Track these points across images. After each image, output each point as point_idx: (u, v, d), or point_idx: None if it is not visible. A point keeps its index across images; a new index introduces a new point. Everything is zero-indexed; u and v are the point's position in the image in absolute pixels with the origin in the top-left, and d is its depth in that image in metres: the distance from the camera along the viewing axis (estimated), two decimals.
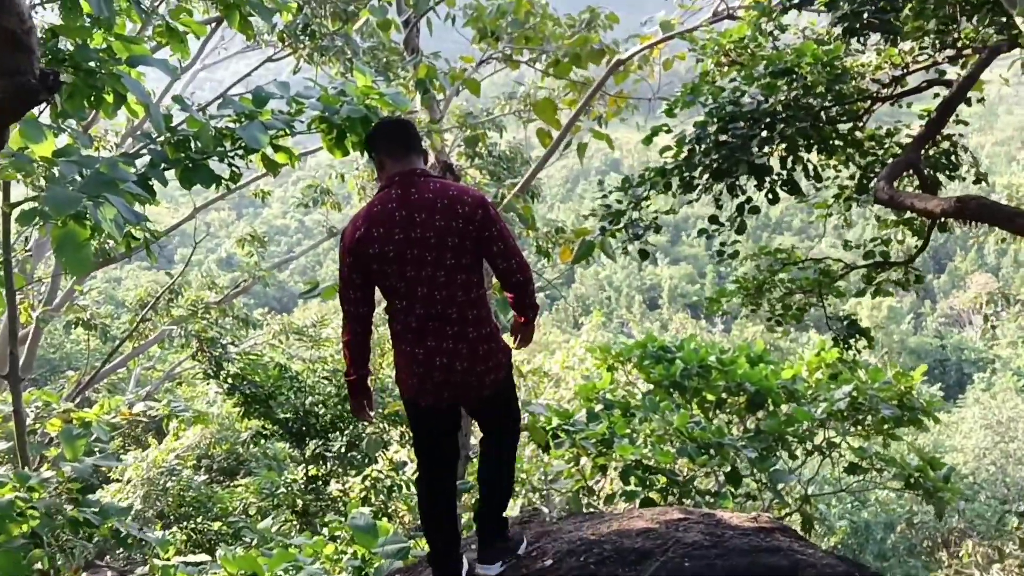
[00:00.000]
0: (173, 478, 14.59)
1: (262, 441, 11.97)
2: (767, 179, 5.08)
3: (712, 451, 6.32)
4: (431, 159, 7.55)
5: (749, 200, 5.33)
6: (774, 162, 5.16)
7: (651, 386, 7.70)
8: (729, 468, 6.61)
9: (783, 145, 4.98)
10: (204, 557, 6.55)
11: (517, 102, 11.17)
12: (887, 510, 19.15)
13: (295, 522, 10.68)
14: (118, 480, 15.08)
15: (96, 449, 8.91)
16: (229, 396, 10.86)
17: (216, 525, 12.15)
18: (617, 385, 8.06)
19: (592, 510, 5.92)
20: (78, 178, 4.43)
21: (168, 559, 6.40)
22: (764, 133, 4.85)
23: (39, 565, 5.57)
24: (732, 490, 6.61)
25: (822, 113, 5.07)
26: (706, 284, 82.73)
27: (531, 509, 6.01)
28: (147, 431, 16.10)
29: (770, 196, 5.19)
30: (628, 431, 6.74)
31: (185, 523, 12.45)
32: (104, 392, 14.41)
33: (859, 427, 7.28)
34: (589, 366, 18.41)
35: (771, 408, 7.42)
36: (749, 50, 5.80)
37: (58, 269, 11.48)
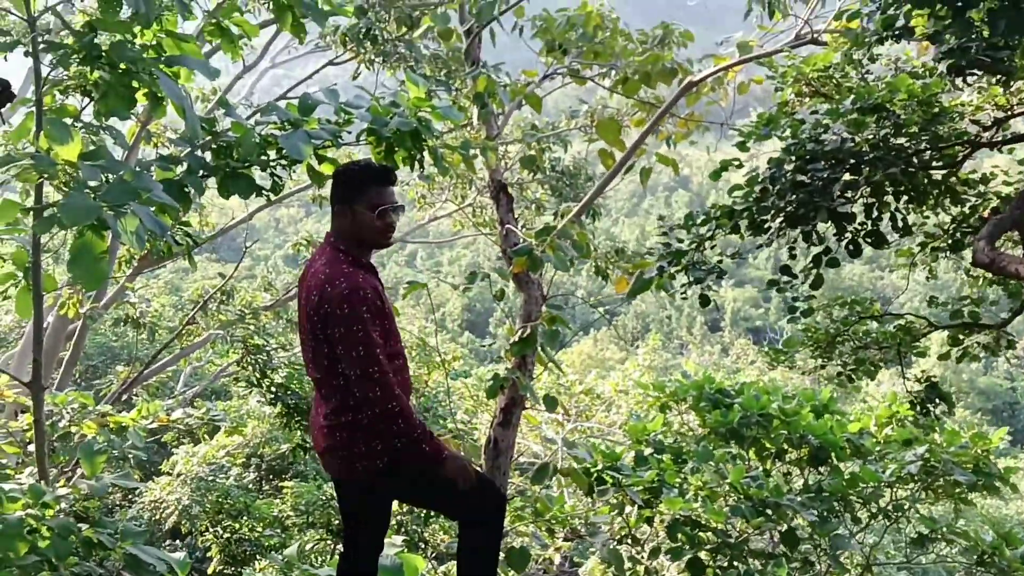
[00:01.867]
0: (222, 475, 14.54)
1: (301, 454, 11.73)
2: (849, 228, 4.56)
3: (769, 511, 5.83)
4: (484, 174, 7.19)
5: (828, 251, 4.80)
6: (856, 209, 4.64)
7: (705, 430, 7.21)
8: (785, 528, 6.11)
9: (867, 190, 4.45)
10: None
11: (583, 118, 10.74)
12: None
13: (330, 541, 10.38)
14: (168, 474, 15.09)
15: (129, 456, 8.73)
16: (272, 405, 10.62)
17: (252, 535, 12.00)
18: (669, 426, 7.59)
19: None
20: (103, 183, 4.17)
21: None
22: (847, 176, 4.34)
23: None
24: (788, 553, 6.11)
25: (914, 157, 4.53)
26: (771, 309, 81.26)
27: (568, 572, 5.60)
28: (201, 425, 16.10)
29: (851, 247, 4.67)
30: (678, 480, 6.28)
31: (222, 531, 12.32)
32: (145, 394, 14.33)
33: (929, 491, 6.69)
34: (643, 394, 17.86)
35: (834, 463, 6.88)
36: (834, 80, 5.28)
37: (109, 265, 11.39)
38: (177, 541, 14.83)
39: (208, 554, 13.71)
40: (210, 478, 14.23)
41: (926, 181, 4.69)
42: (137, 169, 4.26)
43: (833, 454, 6.82)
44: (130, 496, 15.99)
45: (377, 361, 3.18)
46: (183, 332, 12.41)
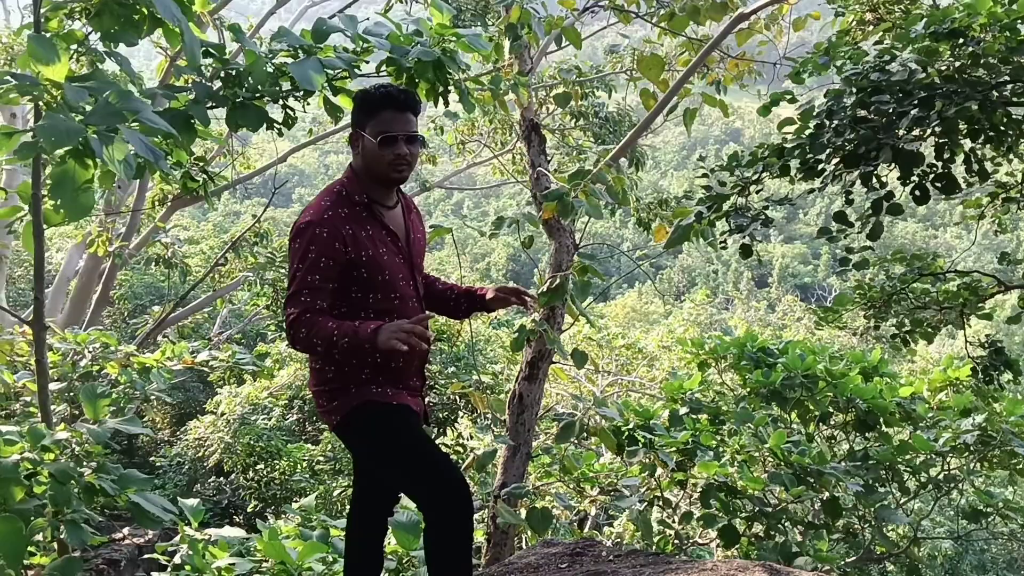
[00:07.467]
0: (264, 415, 14.53)
1: None
2: (916, 170, 4.04)
3: (811, 479, 5.44)
4: (516, 115, 6.79)
5: (890, 196, 4.27)
6: (925, 150, 4.11)
7: (745, 390, 6.80)
8: (828, 496, 5.72)
9: (938, 128, 3.91)
10: (239, 532, 6.02)
11: (624, 55, 10.17)
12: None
13: None
14: (212, 412, 15.15)
15: (152, 397, 8.56)
16: None
17: (282, 477, 11.95)
18: (708, 385, 7.19)
19: (656, 551, 5.13)
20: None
21: (198, 530, 5.88)
22: (916, 111, 3.82)
23: (41, 536, 5.12)
24: (829, 523, 5.73)
25: (993, 91, 3.97)
26: (819, 266, 79.82)
27: (587, 538, 5.27)
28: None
29: (917, 193, 4.14)
30: (714, 442, 5.91)
31: (253, 474, 12.27)
32: (176, 335, 14.26)
33: (984, 462, 6.25)
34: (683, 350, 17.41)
35: (883, 430, 6.45)
36: (903, 5, 4.73)
37: (139, 203, 11.16)
38: (220, 478, 14.92)
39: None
40: (251, 418, 14.24)
41: (1005, 119, 4.14)
42: (129, 90, 3.92)
43: (882, 420, 6.39)
44: (177, 433, 16.17)
45: (297, 302, 2.95)
46: (215, 273, 12.22)
